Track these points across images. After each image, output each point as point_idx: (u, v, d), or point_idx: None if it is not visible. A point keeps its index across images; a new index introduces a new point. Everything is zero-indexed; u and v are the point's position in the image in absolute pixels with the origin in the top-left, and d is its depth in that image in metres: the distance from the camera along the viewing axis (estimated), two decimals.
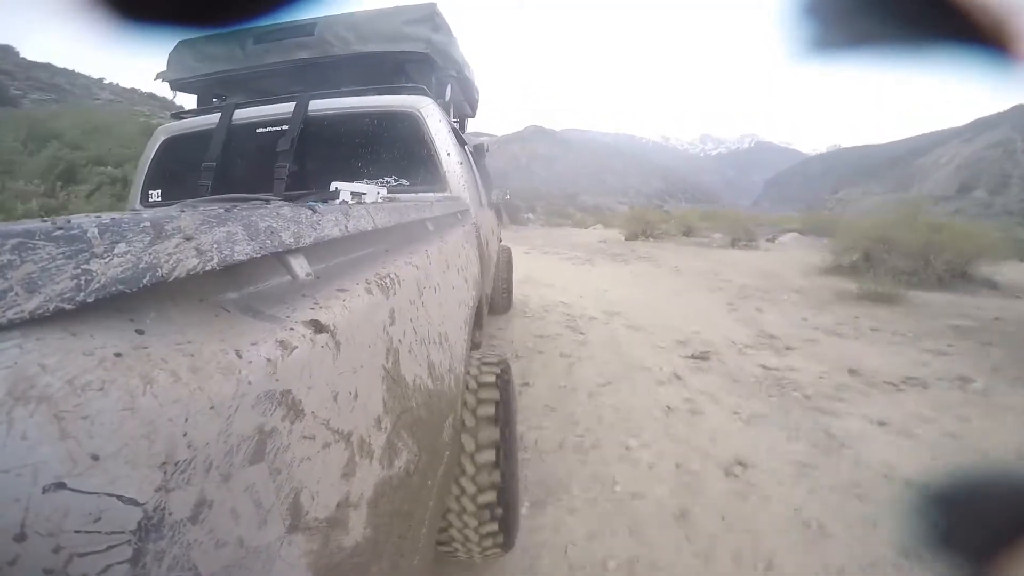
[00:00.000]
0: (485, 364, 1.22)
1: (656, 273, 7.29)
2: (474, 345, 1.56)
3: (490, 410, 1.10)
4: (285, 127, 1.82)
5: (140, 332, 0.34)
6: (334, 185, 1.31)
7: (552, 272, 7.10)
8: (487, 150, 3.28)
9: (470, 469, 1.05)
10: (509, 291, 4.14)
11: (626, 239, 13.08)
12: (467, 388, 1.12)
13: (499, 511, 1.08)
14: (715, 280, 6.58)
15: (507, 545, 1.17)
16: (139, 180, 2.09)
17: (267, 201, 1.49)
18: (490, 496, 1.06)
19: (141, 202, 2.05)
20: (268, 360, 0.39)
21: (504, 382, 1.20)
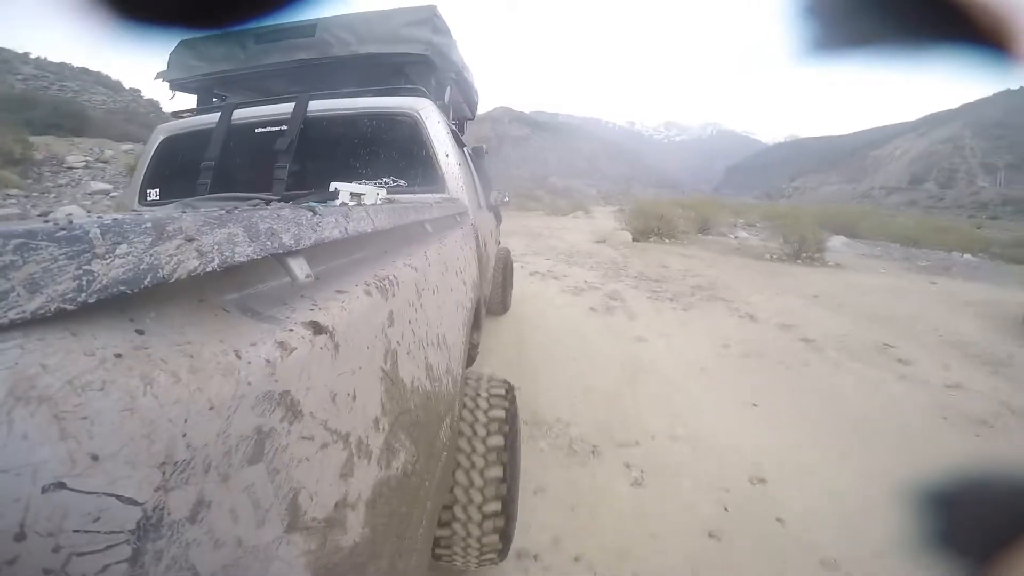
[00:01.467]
0: (493, 384, 1.25)
1: (774, 348, 3.50)
2: (472, 347, 1.56)
3: (499, 441, 1.13)
4: (284, 127, 1.83)
5: (140, 332, 0.34)
6: (333, 186, 1.31)
7: (563, 342, 3.42)
8: (486, 152, 3.29)
9: (478, 481, 1.06)
10: (508, 293, 4.15)
11: (634, 239, 10.00)
12: (476, 407, 1.14)
13: (501, 523, 1.09)
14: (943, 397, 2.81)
15: (503, 553, 1.18)
16: (138, 179, 2.09)
17: (266, 201, 1.49)
18: (494, 507, 1.07)
19: (140, 201, 2.05)
20: (267, 361, 0.40)
21: (510, 400, 1.23)
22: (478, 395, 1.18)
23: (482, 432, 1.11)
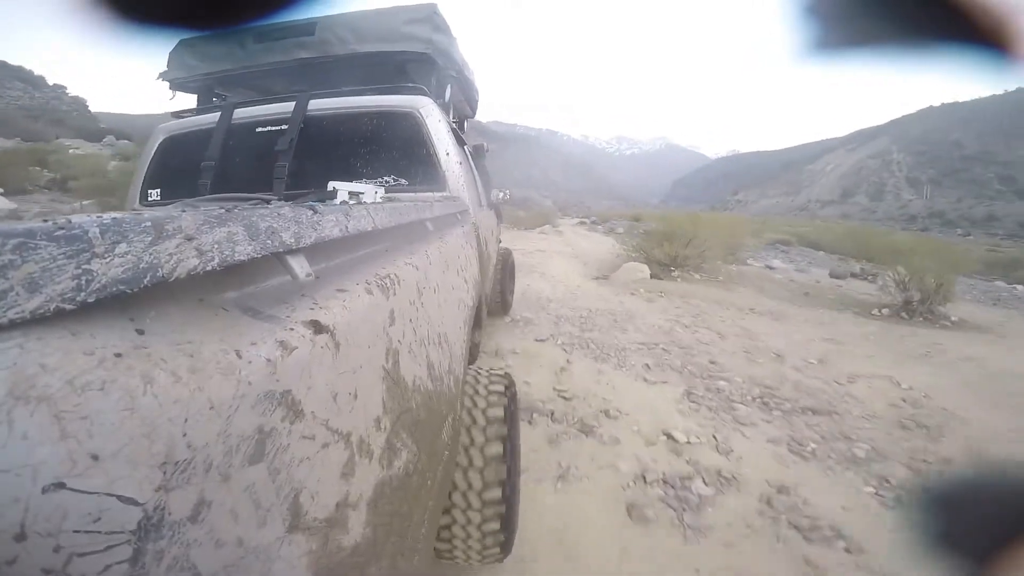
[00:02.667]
0: (493, 377, 1.24)
1: None
2: (473, 346, 1.56)
3: (499, 430, 1.13)
4: (285, 126, 1.82)
5: (140, 332, 0.34)
6: (331, 185, 1.31)
7: None
8: (487, 150, 3.28)
9: (476, 482, 1.06)
10: (511, 293, 4.16)
11: (652, 274, 6.76)
12: (474, 405, 1.14)
13: (503, 519, 1.09)
14: None
15: (506, 550, 1.18)
16: (138, 179, 2.09)
17: (267, 201, 1.49)
18: (496, 508, 1.07)
19: (140, 201, 2.05)
20: (268, 360, 0.39)
21: (510, 395, 1.23)
22: (476, 391, 1.17)
23: (481, 426, 1.11)
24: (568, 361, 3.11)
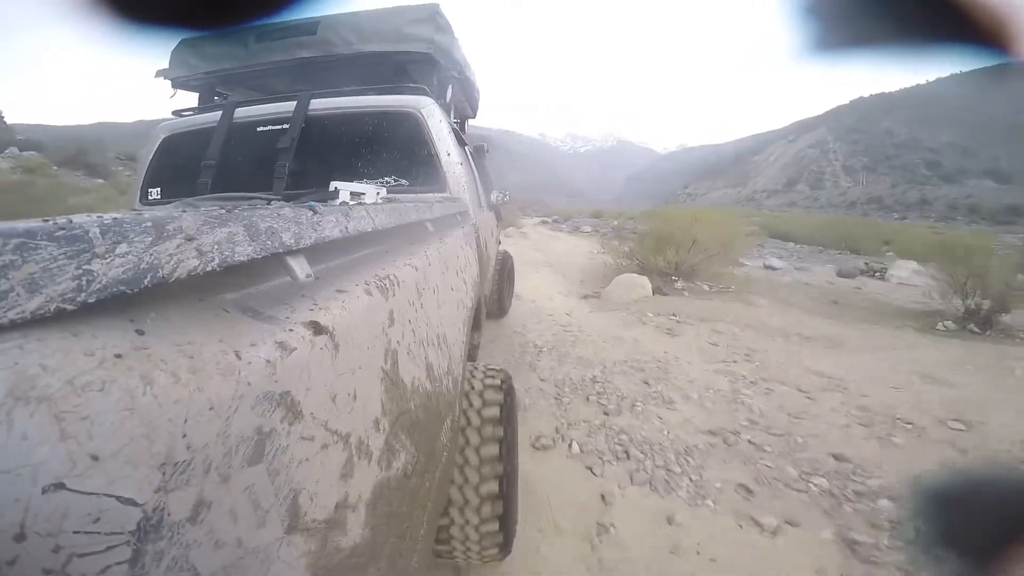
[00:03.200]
0: (489, 374, 1.24)
1: None
2: (472, 347, 1.56)
3: (495, 417, 1.12)
4: (286, 126, 1.82)
5: (140, 332, 0.34)
6: (333, 185, 1.31)
7: None
8: (487, 151, 3.28)
9: (473, 478, 1.06)
10: (509, 296, 4.17)
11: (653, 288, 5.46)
12: (469, 403, 1.14)
13: (501, 518, 1.09)
14: None
15: (505, 550, 1.18)
16: (139, 178, 2.09)
17: (267, 201, 1.49)
18: (492, 506, 1.07)
19: (141, 200, 2.05)
20: (267, 361, 0.40)
21: (507, 389, 1.22)
22: (471, 389, 1.16)
23: (478, 424, 1.11)
24: (604, 499, 1.72)
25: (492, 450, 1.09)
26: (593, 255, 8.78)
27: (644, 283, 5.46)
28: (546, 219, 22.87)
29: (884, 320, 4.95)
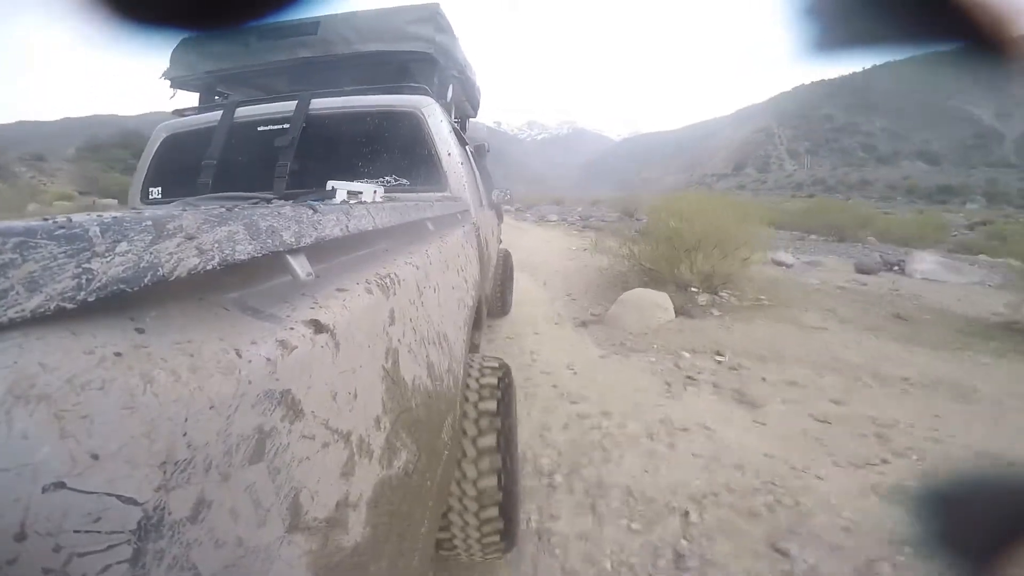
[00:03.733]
0: (486, 367, 1.23)
1: None
2: (473, 347, 1.56)
3: (492, 406, 1.11)
4: (286, 125, 1.82)
5: (140, 331, 0.34)
6: (330, 184, 1.31)
7: None
8: (487, 150, 3.28)
9: (472, 472, 1.05)
10: (508, 294, 4.16)
11: (676, 310, 4.06)
12: (466, 396, 1.13)
13: (501, 512, 1.08)
14: None
15: (508, 545, 1.18)
16: (139, 177, 2.09)
17: (267, 200, 1.49)
18: (493, 498, 1.07)
19: (141, 199, 2.05)
20: (268, 360, 0.39)
21: (505, 384, 1.21)
22: (468, 385, 1.15)
23: (474, 420, 1.09)
24: None
25: (490, 441, 1.08)
26: (572, 253, 7.31)
27: (663, 302, 3.98)
28: (507, 207, 22.16)
29: (980, 343, 3.74)
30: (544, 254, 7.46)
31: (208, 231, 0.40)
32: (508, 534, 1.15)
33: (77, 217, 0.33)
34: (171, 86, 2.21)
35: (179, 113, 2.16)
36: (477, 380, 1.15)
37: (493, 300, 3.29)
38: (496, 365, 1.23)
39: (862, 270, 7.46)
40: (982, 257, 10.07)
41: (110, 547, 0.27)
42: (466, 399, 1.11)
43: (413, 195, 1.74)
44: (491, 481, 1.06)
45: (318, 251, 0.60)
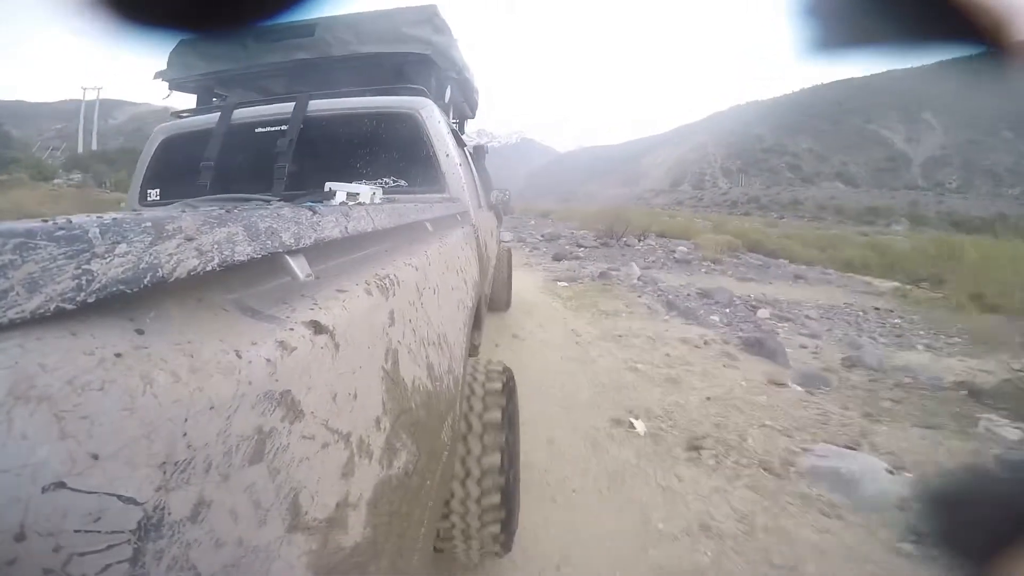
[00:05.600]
0: (491, 370, 1.23)
1: None
2: (472, 348, 1.56)
3: (496, 415, 1.11)
4: (284, 127, 1.82)
5: (140, 332, 0.34)
6: (328, 186, 1.31)
7: None
8: (487, 151, 3.28)
9: (475, 472, 1.05)
10: (508, 289, 4.20)
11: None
12: (472, 392, 1.13)
13: (502, 512, 1.09)
14: None
15: (507, 546, 1.18)
16: (137, 179, 2.09)
17: (266, 201, 1.49)
18: (494, 499, 1.07)
19: (140, 201, 2.05)
20: (268, 360, 0.40)
21: (509, 388, 1.21)
22: (472, 391, 1.16)
23: (478, 423, 1.10)
24: None
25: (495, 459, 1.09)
26: (568, 306, 5.00)
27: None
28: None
29: None
30: (538, 320, 4.34)
31: (207, 232, 0.40)
32: (507, 542, 1.16)
33: (77, 218, 0.33)
34: (169, 87, 2.21)
35: (177, 115, 2.16)
36: (483, 385, 1.16)
37: (500, 294, 3.76)
38: (500, 370, 1.23)
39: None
40: None
41: (110, 547, 0.27)
42: (470, 407, 1.12)
43: (412, 196, 1.74)
44: (493, 481, 1.06)
45: (318, 252, 0.60)
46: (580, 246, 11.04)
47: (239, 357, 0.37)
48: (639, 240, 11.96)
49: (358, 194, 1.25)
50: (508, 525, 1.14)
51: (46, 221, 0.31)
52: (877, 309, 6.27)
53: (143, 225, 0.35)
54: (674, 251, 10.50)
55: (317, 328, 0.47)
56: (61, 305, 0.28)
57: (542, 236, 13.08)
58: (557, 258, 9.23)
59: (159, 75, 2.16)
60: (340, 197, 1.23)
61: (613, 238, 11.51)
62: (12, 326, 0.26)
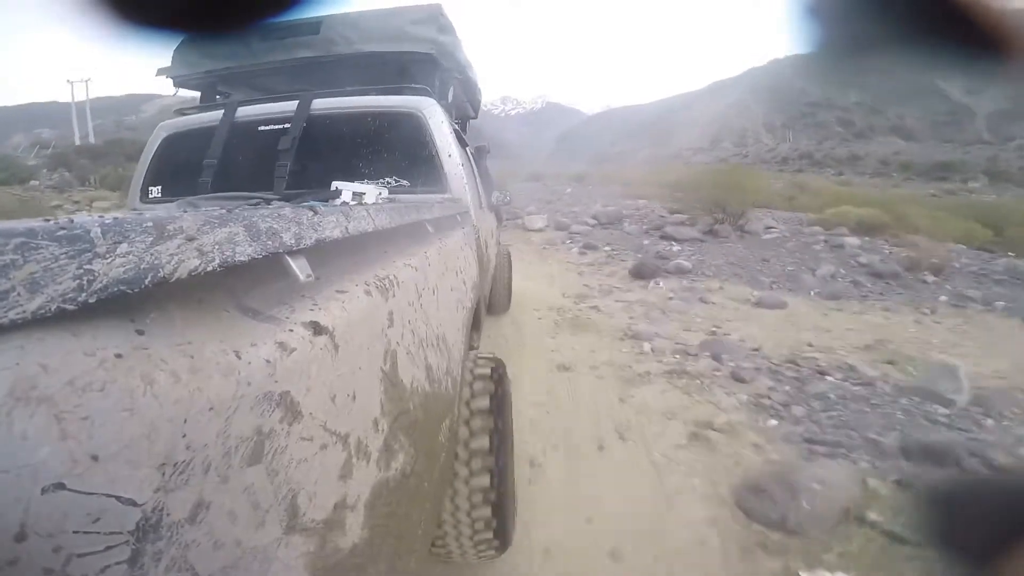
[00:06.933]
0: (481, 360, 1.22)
1: None
2: (471, 347, 1.56)
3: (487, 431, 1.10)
4: (287, 126, 1.82)
5: (141, 332, 0.34)
6: (335, 184, 1.31)
7: None
8: (488, 151, 3.28)
9: (463, 472, 1.04)
10: (508, 291, 4.17)
11: None
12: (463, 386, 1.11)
13: (494, 512, 1.08)
14: None
15: (503, 546, 1.17)
16: (139, 176, 2.09)
17: (268, 201, 1.49)
18: (486, 498, 1.06)
19: (141, 198, 2.05)
20: (267, 361, 0.40)
21: (499, 377, 1.20)
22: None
23: (467, 420, 1.08)
24: None
25: (483, 442, 1.06)
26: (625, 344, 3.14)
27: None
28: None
29: None
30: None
31: (208, 233, 0.40)
32: (503, 542, 1.15)
33: (78, 218, 0.33)
34: (173, 85, 2.21)
35: (180, 112, 2.16)
36: (471, 372, 1.13)
37: (495, 298, 3.39)
38: (488, 372, 1.21)
39: None
40: None
41: (109, 548, 0.27)
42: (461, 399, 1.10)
43: (414, 196, 1.74)
44: (484, 480, 1.05)
45: (318, 253, 0.60)
46: (667, 238, 6.27)
47: (239, 358, 0.37)
48: (744, 222, 7.07)
49: (363, 193, 1.25)
50: (503, 522, 1.13)
51: (48, 221, 0.31)
52: None
53: (144, 225, 0.35)
54: (843, 246, 5.96)
55: (317, 329, 0.47)
56: (62, 305, 0.28)
57: (594, 219, 8.03)
58: (638, 275, 4.90)
59: (162, 72, 2.17)
60: (346, 196, 1.24)
61: (723, 222, 6.95)
62: (13, 327, 0.26)
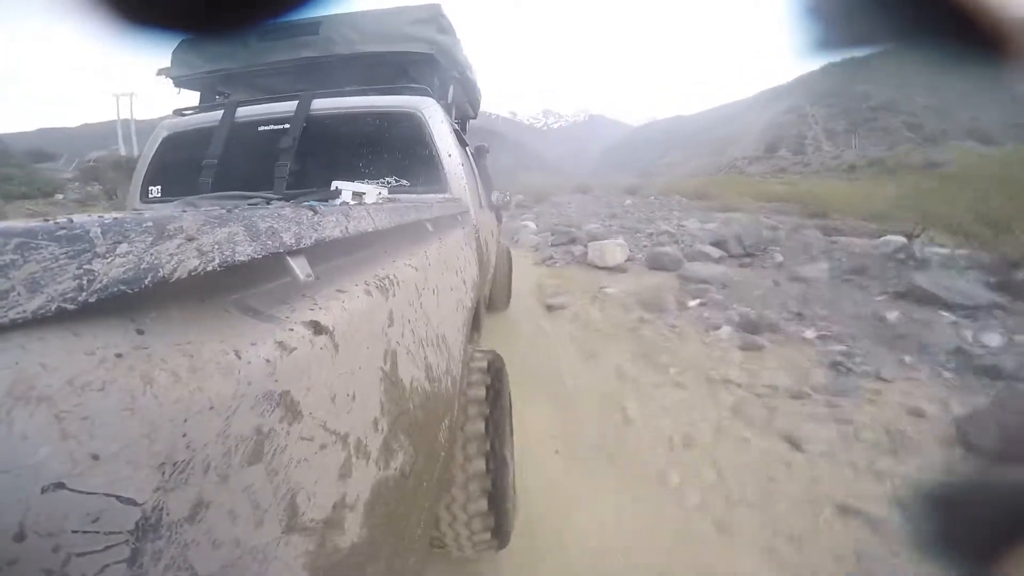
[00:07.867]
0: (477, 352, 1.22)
1: None
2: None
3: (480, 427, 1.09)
4: (287, 126, 1.82)
5: (141, 332, 0.34)
6: (335, 184, 1.31)
7: None
8: (487, 151, 3.29)
9: (459, 475, 1.04)
10: (508, 289, 4.18)
11: None
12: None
13: (491, 507, 1.07)
14: None
15: (501, 542, 1.17)
16: (139, 176, 2.09)
17: (267, 200, 1.49)
18: (482, 496, 1.06)
19: (141, 198, 2.05)
20: (267, 361, 0.40)
21: (493, 374, 1.20)
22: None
23: (461, 417, 1.07)
24: None
25: (478, 428, 1.06)
26: None
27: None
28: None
29: None
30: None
31: (208, 232, 0.40)
32: (501, 537, 1.15)
33: (78, 218, 0.33)
34: (173, 85, 2.21)
35: (179, 112, 2.16)
36: (467, 364, 1.13)
37: (495, 296, 3.45)
38: (485, 365, 1.21)
39: None
40: None
41: (108, 547, 0.27)
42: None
43: (414, 196, 1.74)
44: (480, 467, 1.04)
45: (318, 252, 0.60)
46: (930, 301, 3.00)
47: (239, 357, 0.37)
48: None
49: (363, 193, 1.25)
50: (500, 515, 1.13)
51: (47, 221, 0.31)
52: None
53: (144, 225, 0.35)
54: None
55: (317, 328, 0.47)
56: (62, 305, 0.28)
57: (717, 247, 4.98)
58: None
59: (162, 72, 2.17)
60: (346, 196, 1.23)
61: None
62: (13, 326, 0.26)
